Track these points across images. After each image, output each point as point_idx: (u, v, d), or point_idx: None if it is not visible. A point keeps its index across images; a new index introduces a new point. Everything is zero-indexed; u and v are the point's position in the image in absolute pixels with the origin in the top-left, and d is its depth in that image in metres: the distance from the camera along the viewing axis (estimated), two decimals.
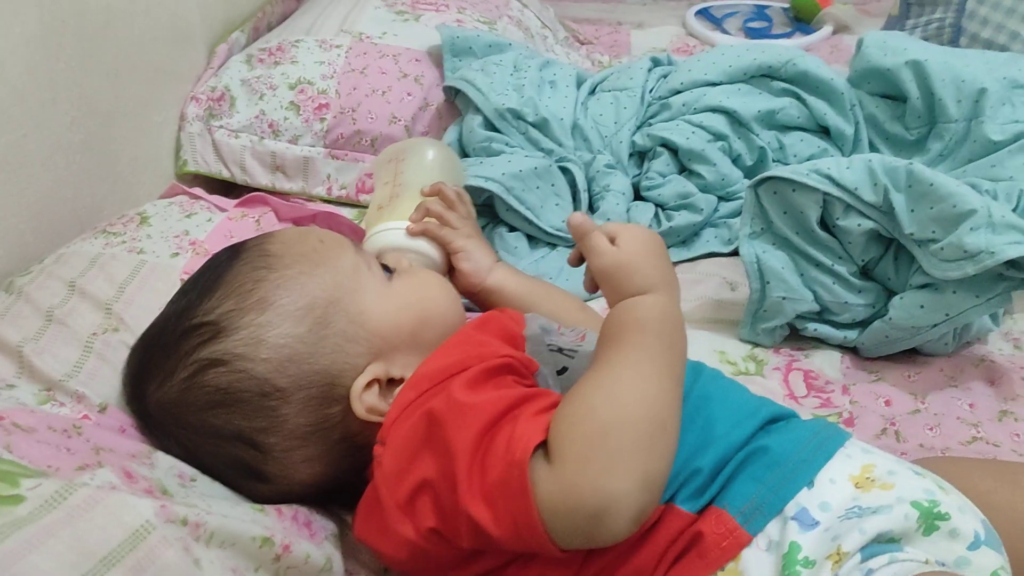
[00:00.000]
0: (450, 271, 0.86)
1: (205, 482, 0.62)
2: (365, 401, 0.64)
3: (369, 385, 0.65)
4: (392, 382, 0.66)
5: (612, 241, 0.67)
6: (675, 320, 0.63)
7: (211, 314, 0.64)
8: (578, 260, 0.70)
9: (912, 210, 0.86)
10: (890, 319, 0.89)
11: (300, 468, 0.65)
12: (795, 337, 0.96)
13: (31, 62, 0.87)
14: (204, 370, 0.63)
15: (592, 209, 1.14)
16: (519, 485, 0.53)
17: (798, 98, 1.18)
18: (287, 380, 0.63)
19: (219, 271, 0.67)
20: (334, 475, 0.66)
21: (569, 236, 1.10)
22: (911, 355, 0.93)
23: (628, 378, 0.57)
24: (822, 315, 0.94)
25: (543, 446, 0.54)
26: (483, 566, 0.61)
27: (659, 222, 1.13)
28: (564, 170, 1.13)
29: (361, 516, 0.64)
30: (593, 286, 0.69)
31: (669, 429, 0.55)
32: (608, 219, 1.10)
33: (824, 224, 0.92)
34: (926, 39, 1.47)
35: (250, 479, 0.64)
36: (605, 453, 0.52)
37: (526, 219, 1.08)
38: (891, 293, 0.92)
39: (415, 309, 0.70)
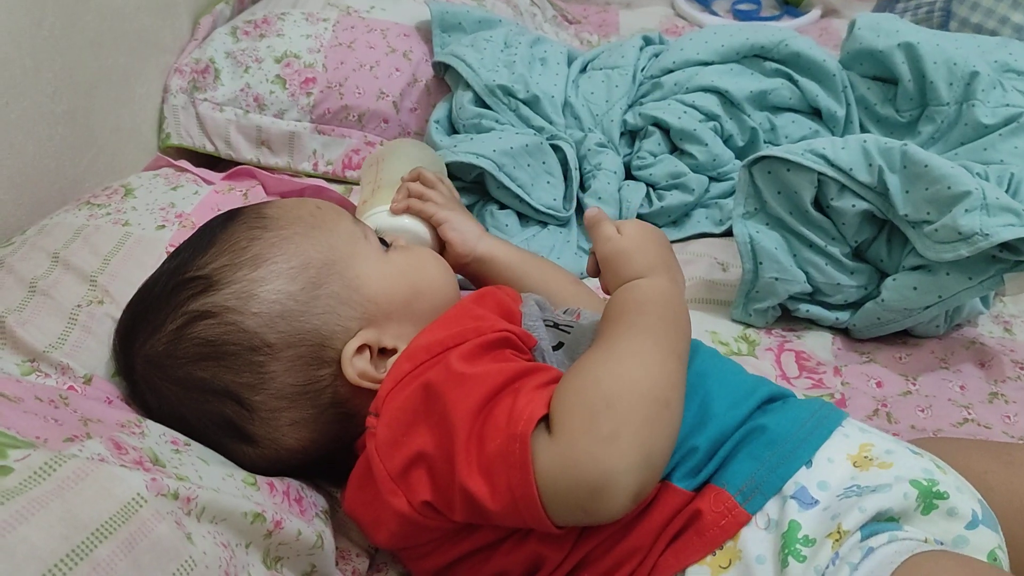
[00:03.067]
0: (441, 250, 0.85)
1: (198, 447, 0.61)
2: (356, 366, 0.63)
3: (360, 351, 0.64)
4: (384, 352, 0.66)
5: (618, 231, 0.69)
6: (676, 301, 0.64)
7: (204, 269, 0.64)
8: (596, 269, 0.71)
9: (907, 191, 0.86)
10: (882, 300, 0.89)
11: (287, 432, 0.64)
12: (787, 318, 0.96)
13: (13, 30, 0.84)
14: (194, 322, 0.62)
15: (583, 188, 1.13)
16: (520, 458, 0.52)
17: (790, 79, 1.17)
18: (277, 336, 0.62)
19: (214, 231, 0.67)
20: (322, 443, 0.65)
21: (560, 214, 1.09)
22: (902, 337, 0.94)
23: (631, 354, 0.57)
24: (814, 296, 0.94)
25: (544, 420, 0.53)
26: (475, 543, 0.60)
27: (650, 202, 1.12)
28: (555, 148, 1.12)
29: (352, 488, 0.63)
30: (596, 271, 0.70)
31: (672, 407, 0.55)
32: (599, 198, 1.10)
33: (818, 204, 0.91)
34: (916, 23, 1.46)
35: (236, 439, 0.63)
36: (608, 426, 0.51)
37: (517, 197, 1.07)
38: (884, 275, 0.92)
39: (410, 279, 0.69)
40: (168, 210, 0.84)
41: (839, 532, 0.55)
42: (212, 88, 1.18)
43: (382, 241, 0.73)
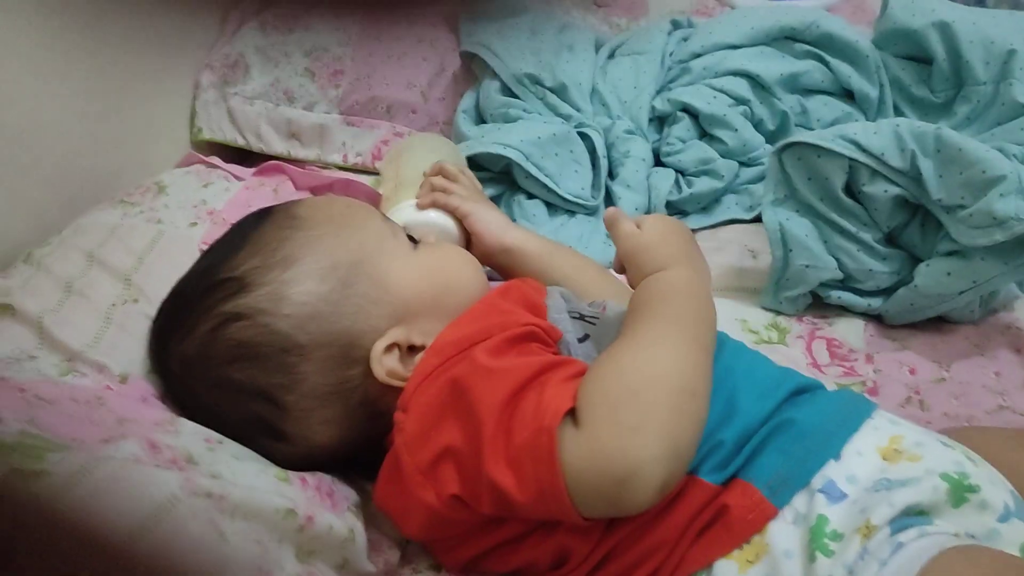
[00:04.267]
0: (467, 243, 0.86)
1: (231, 443, 0.62)
2: (385, 364, 0.64)
3: (389, 349, 0.64)
4: (413, 349, 0.66)
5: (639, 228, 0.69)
6: (700, 292, 0.64)
7: (236, 270, 0.65)
8: (622, 266, 0.71)
9: (940, 176, 0.84)
10: (916, 286, 0.87)
11: (319, 430, 0.65)
12: (818, 305, 0.95)
13: (45, 29, 0.86)
14: (226, 324, 0.63)
15: (611, 175, 1.12)
16: (547, 450, 0.52)
17: (821, 61, 1.15)
18: (307, 337, 0.63)
19: (246, 231, 0.68)
20: (353, 440, 0.66)
21: (588, 203, 1.08)
22: (936, 323, 0.92)
23: (657, 344, 0.57)
24: (846, 282, 0.93)
25: (571, 413, 0.54)
26: (503, 535, 0.61)
27: (679, 188, 1.12)
28: (583, 136, 1.12)
29: (382, 483, 0.64)
30: (622, 267, 0.70)
31: (699, 397, 0.55)
32: (628, 185, 1.09)
33: (849, 190, 0.90)
34: (952, 1, 1.43)
35: (269, 438, 0.64)
36: (634, 415, 0.52)
37: (545, 186, 1.07)
38: (916, 260, 0.91)
39: (438, 277, 0.70)
40: (200, 207, 0.85)
41: (868, 527, 0.55)
42: (242, 82, 1.20)
43: (410, 238, 0.73)
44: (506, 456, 0.54)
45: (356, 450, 0.67)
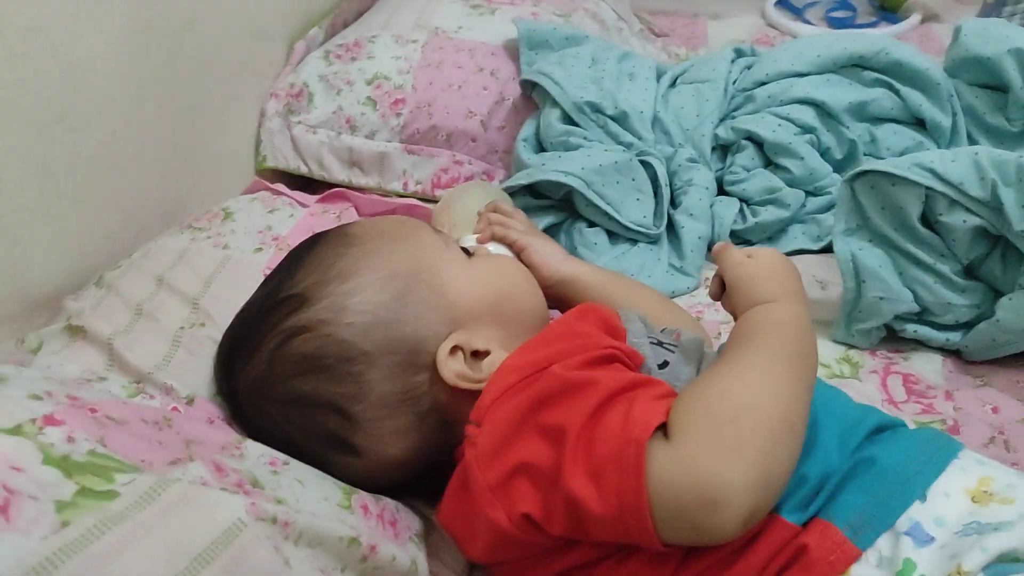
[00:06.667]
0: None
1: (297, 466, 0.61)
2: (451, 367, 0.64)
3: (453, 352, 0.64)
4: (476, 355, 0.66)
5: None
6: (809, 329, 0.63)
7: (295, 288, 0.66)
8: (718, 292, 0.71)
9: (1023, 206, 0.81)
10: (998, 321, 0.84)
11: (390, 441, 0.64)
12: (892, 339, 0.91)
13: (120, 60, 0.88)
14: (290, 339, 0.64)
15: (674, 204, 1.11)
16: (634, 462, 0.51)
17: (891, 88, 1.13)
18: (371, 344, 0.63)
19: (302, 254, 0.69)
20: (424, 451, 0.65)
21: (650, 231, 1.07)
22: (1019, 359, 0.88)
23: (762, 372, 0.56)
24: (922, 316, 0.90)
25: (660, 430, 0.53)
26: (571, 560, 0.59)
27: (744, 217, 1.10)
28: (645, 164, 1.11)
29: (448, 500, 0.63)
30: (718, 294, 0.70)
31: (796, 432, 0.54)
32: (691, 214, 1.07)
33: (925, 220, 0.87)
34: None
35: (341, 452, 0.64)
36: (731, 438, 0.51)
37: (606, 214, 1.06)
38: (997, 293, 0.87)
39: (494, 284, 0.71)
40: (265, 233, 0.86)
41: (959, 573, 0.52)
42: (306, 111, 1.21)
43: (464, 251, 0.74)
44: (586, 467, 0.53)
45: (427, 464, 0.66)
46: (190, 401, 0.67)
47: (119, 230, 0.89)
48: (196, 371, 0.70)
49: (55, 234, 0.81)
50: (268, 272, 0.76)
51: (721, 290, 0.69)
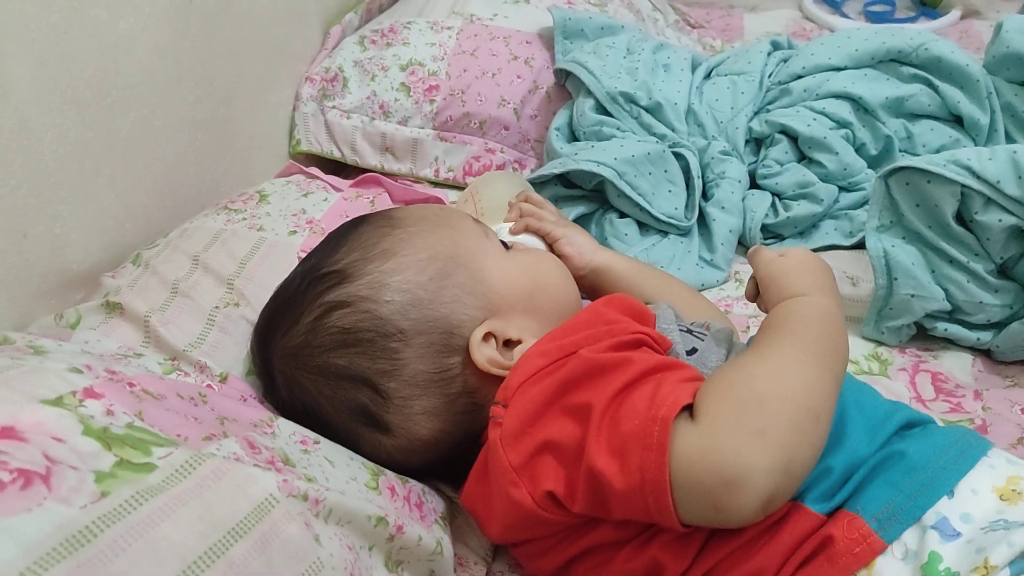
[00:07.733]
0: None
1: (327, 446, 0.62)
2: (484, 352, 0.65)
3: (486, 339, 0.65)
4: (509, 344, 0.67)
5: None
6: (839, 323, 0.63)
7: (337, 264, 0.67)
8: (754, 293, 0.71)
9: None
10: None
11: (420, 420, 0.65)
12: (922, 336, 0.91)
13: (159, 41, 0.89)
14: (329, 312, 0.65)
15: (706, 197, 1.10)
16: (659, 439, 0.52)
17: (929, 84, 1.11)
18: (408, 323, 0.64)
19: (345, 233, 0.71)
20: (452, 433, 0.66)
21: (681, 223, 1.07)
22: None
23: (790, 361, 0.57)
24: (953, 314, 0.89)
25: (686, 411, 0.53)
26: (592, 540, 0.60)
27: (776, 211, 1.09)
28: (678, 156, 1.10)
29: (472, 480, 0.64)
30: (754, 295, 0.70)
31: (821, 422, 0.54)
32: (723, 207, 1.07)
33: (960, 218, 0.86)
34: None
35: (372, 428, 0.65)
36: (757, 421, 0.51)
37: (637, 205, 1.06)
38: None
39: (531, 274, 0.72)
40: (299, 216, 0.87)
41: (986, 567, 0.52)
42: (340, 96, 1.22)
43: (503, 243, 0.74)
44: (609, 443, 0.54)
45: (454, 447, 0.67)
46: (223, 379, 0.68)
47: (155, 209, 0.90)
48: (229, 350, 0.71)
49: (93, 212, 0.82)
50: (302, 255, 0.77)
51: (757, 291, 0.70)
